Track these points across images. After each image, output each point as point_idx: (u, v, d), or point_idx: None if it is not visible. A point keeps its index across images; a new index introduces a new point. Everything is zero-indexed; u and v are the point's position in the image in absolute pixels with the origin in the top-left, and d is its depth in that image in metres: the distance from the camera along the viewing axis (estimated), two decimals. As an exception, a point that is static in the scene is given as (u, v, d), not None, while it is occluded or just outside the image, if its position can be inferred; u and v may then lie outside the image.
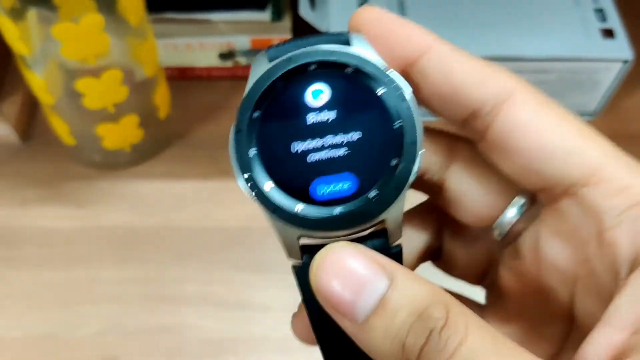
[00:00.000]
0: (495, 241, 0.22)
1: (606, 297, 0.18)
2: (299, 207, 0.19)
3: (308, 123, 0.19)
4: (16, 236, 0.46)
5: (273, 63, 0.19)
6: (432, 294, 0.17)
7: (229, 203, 0.47)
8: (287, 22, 0.51)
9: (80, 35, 0.38)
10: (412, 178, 0.19)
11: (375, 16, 0.20)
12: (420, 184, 0.22)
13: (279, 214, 0.19)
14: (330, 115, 0.19)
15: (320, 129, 0.19)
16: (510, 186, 0.21)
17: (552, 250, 0.20)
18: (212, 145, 0.50)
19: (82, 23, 0.37)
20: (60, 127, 0.45)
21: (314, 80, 0.19)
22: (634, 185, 0.18)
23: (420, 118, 0.19)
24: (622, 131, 0.51)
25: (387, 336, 0.17)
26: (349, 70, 0.19)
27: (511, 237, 0.21)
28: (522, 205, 0.21)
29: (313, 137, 0.19)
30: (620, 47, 0.47)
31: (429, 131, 0.21)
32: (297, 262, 0.20)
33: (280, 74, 0.19)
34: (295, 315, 0.23)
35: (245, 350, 0.41)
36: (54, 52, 0.39)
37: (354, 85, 0.19)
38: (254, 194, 0.19)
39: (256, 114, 0.19)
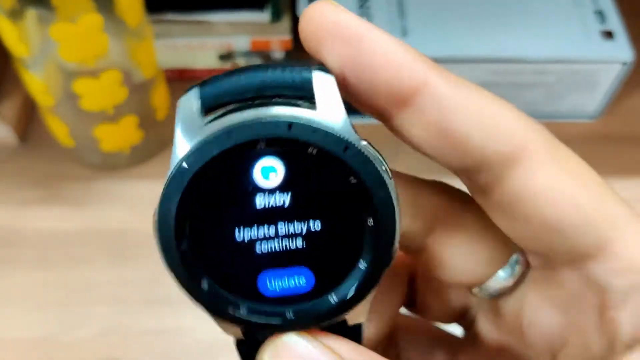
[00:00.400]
0: (475, 297, 0.21)
1: None
2: (244, 310, 0.16)
3: (257, 207, 0.15)
4: (15, 237, 0.46)
5: (208, 132, 0.15)
6: None
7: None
8: (286, 23, 0.51)
9: (79, 35, 0.38)
10: (380, 280, 0.16)
11: (338, 27, 0.16)
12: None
13: (220, 315, 0.16)
14: (284, 199, 0.15)
15: (272, 215, 0.15)
16: (500, 247, 0.19)
17: (541, 315, 0.18)
18: (211, 146, 0.50)
19: (80, 23, 0.37)
20: (59, 129, 0.45)
21: (264, 155, 0.15)
22: None
23: (399, 210, 0.16)
24: (622, 133, 0.51)
25: None
26: (311, 151, 0.15)
27: (493, 296, 0.20)
28: (513, 269, 0.19)
29: (262, 224, 0.16)
30: (620, 49, 0.47)
31: (408, 190, 0.19)
32: (239, 337, 0.18)
33: (216, 153, 0.15)
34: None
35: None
36: (53, 53, 0.39)
37: (317, 165, 0.15)
38: (189, 293, 0.16)
39: (187, 198, 0.15)
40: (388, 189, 0.15)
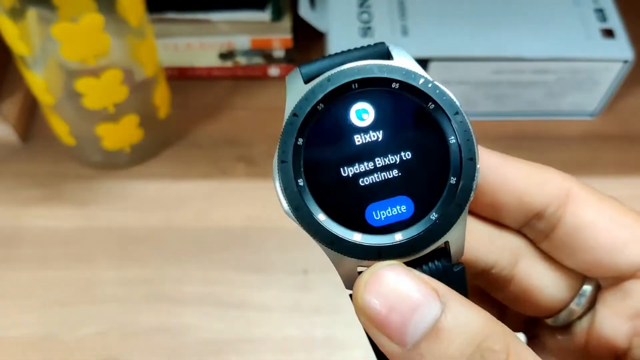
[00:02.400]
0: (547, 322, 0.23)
1: None
2: (358, 237, 0.18)
3: (355, 145, 0.18)
4: (16, 236, 0.46)
5: (311, 85, 0.18)
6: (490, 324, 0.17)
7: (229, 203, 0.47)
8: (287, 22, 0.51)
9: (80, 35, 0.38)
10: (472, 195, 0.18)
11: None
12: (485, 278, 0.22)
13: (336, 246, 0.18)
14: (378, 135, 0.18)
15: (369, 151, 0.18)
16: (570, 277, 0.22)
17: (610, 327, 0.21)
18: (212, 145, 0.50)
19: (81, 23, 0.37)
20: (60, 128, 0.45)
21: (357, 99, 0.18)
22: None
23: (474, 131, 0.18)
24: (622, 131, 0.51)
25: None
26: (394, 85, 0.18)
27: (565, 323, 0.22)
28: (587, 295, 0.22)
29: (362, 160, 0.18)
30: (621, 47, 0.47)
31: (493, 226, 0.22)
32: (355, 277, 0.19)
33: (320, 96, 0.18)
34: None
35: (245, 351, 0.41)
36: (54, 52, 0.39)
37: (401, 102, 0.18)
38: (308, 227, 0.18)
39: (300, 142, 0.18)
40: (462, 111, 0.18)
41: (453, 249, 0.19)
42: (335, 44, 0.48)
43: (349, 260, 0.18)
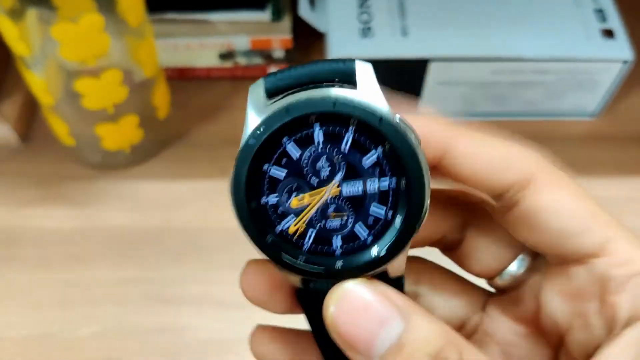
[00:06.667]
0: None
1: (595, 347, 0.20)
2: (301, 261, 0.19)
3: (312, 175, 0.19)
4: (16, 236, 0.46)
5: (270, 111, 0.18)
6: (446, 336, 0.18)
7: (228, 203, 0.47)
8: (286, 22, 0.51)
9: (80, 35, 0.38)
10: (414, 235, 0.19)
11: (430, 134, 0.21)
12: (436, 242, 0.25)
13: (281, 265, 0.19)
14: (332, 167, 0.19)
15: (323, 182, 0.19)
16: (515, 243, 0.23)
17: (552, 304, 0.22)
18: (211, 145, 0.50)
19: (81, 23, 0.37)
20: (60, 128, 0.45)
21: (317, 129, 0.19)
22: (636, 258, 0.20)
23: (428, 174, 0.19)
24: (622, 131, 0.51)
25: None
26: (352, 121, 0.18)
27: (512, 286, 0.24)
28: (525, 261, 0.24)
29: (315, 189, 0.19)
30: (620, 48, 0.47)
31: (447, 198, 0.24)
32: (299, 288, 0.21)
33: (277, 127, 0.18)
34: (244, 273, 0.24)
35: (245, 350, 0.41)
36: (54, 52, 0.39)
37: (358, 136, 0.19)
38: (255, 244, 0.19)
39: (260, 165, 0.19)
40: (417, 154, 0.18)
41: (392, 272, 0.20)
42: (335, 44, 0.48)
43: (294, 276, 0.20)
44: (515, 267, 0.24)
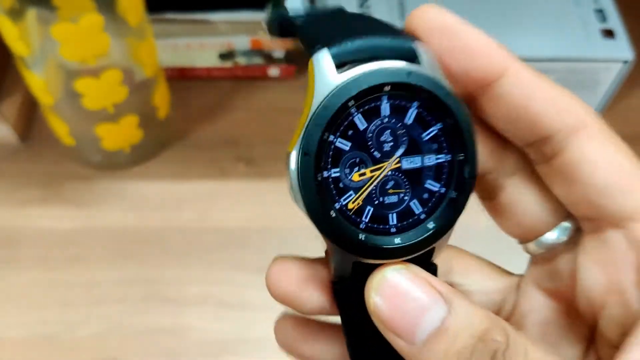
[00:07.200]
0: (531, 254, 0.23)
1: (630, 324, 0.19)
2: (362, 236, 0.19)
3: (374, 149, 0.19)
4: (16, 236, 0.46)
5: (342, 79, 0.18)
6: (490, 319, 0.18)
7: (228, 203, 0.47)
8: (287, 22, 0.51)
9: (80, 35, 0.38)
10: (464, 210, 0.19)
11: (441, 23, 0.20)
12: (480, 183, 0.23)
13: (341, 241, 0.19)
14: (397, 142, 0.19)
15: (388, 154, 0.19)
16: (558, 209, 0.22)
17: (587, 274, 0.21)
18: (212, 145, 0.50)
19: (81, 23, 0.37)
20: (60, 128, 0.45)
21: (385, 102, 0.18)
22: None
23: (478, 148, 0.19)
24: (622, 131, 0.51)
25: (448, 357, 0.18)
26: (423, 94, 0.18)
27: (546, 257, 0.23)
28: (567, 230, 0.22)
29: (380, 162, 0.19)
30: (621, 48, 0.47)
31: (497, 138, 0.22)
32: (337, 281, 0.20)
33: (354, 93, 0.18)
34: (271, 268, 0.23)
35: (245, 351, 0.41)
36: (53, 52, 0.39)
37: (424, 111, 0.19)
38: (316, 220, 0.18)
39: (326, 136, 0.18)
40: (475, 131, 0.19)
41: (437, 252, 0.20)
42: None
43: (349, 256, 0.19)
44: (555, 235, 0.22)
